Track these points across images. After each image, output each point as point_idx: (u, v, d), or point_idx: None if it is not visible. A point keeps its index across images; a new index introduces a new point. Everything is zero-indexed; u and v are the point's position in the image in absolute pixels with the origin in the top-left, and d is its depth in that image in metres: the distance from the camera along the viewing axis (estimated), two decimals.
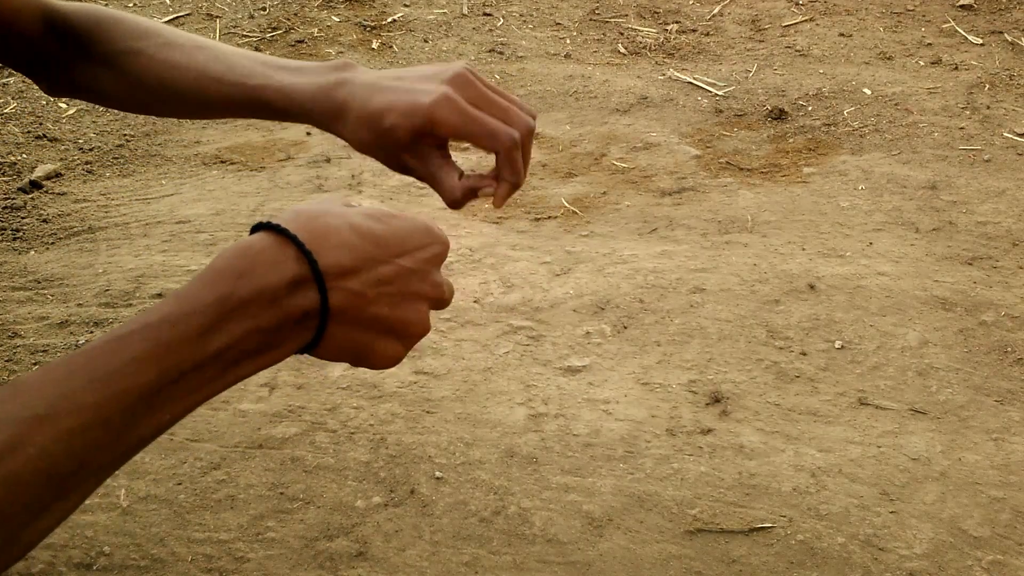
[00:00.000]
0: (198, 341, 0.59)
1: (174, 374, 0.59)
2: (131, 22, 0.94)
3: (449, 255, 2.43)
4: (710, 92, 3.39)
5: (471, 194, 0.84)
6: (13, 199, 2.71)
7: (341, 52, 3.62)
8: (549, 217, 2.67)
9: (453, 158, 0.85)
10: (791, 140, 3.09)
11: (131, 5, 3.87)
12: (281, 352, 0.64)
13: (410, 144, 0.81)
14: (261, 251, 0.63)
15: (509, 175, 0.83)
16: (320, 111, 0.84)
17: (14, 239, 2.54)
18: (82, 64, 0.94)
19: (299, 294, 0.63)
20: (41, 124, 3.13)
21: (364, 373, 2.02)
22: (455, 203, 0.83)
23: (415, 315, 0.69)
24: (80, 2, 0.96)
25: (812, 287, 2.31)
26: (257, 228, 0.65)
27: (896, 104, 3.25)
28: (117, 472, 1.78)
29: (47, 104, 3.25)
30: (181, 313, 0.59)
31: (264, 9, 3.88)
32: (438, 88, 0.80)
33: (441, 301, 0.72)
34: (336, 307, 0.64)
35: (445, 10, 3.96)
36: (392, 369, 2.03)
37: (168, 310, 0.60)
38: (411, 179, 2.84)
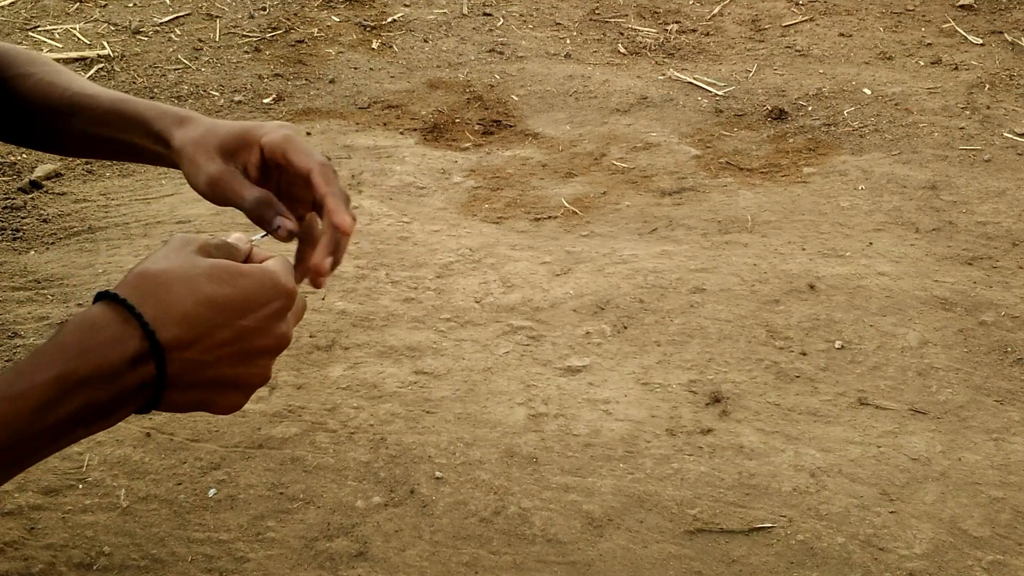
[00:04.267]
0: (33, 417, 0.61)
1: (9, 446, 0.61)
2: (23, 53, 1.01)
3: (449, 255, 2.43)
4: (710, 92, 3.39)
5: (267, 206, 0.84)
6: (13, 199, 2.71)
7: (341, 52, 3.62)
8: (549, 217, 2.67)
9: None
10: (791, 140, 3.09)
11: (130, 5, 3.87)
12: (116, 419, 0.66)
13: (227, 150, 0.85)
14: (104, 328, 0.64)
15: (327, 185, 0.82)
16: (170, 118, 0.89)
17: (14, 239, 2.54)
18: None
19: (138, 369, 0.65)
20: None
21: (365, 373, 2.02)
22: (250, 203, 0.84)
23: (255, 369, 0.71)
24: None
25: (812, 287, 2.31)
26: (101, 297, 0.67)
27: (896, 104, 3.25)
28: (117, 472, 1.78)
29: None
30: (19, 391, 0.61)
31: (264, 9, 3.88)
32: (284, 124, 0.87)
33: (281, 350, 0.74)
34: (173, 375, 0.66)
35: (445, 10, 3.96)
36: (392, 369, 2.03)
37: (6, 386, 0.61)
38: (411, 179, 2.84)
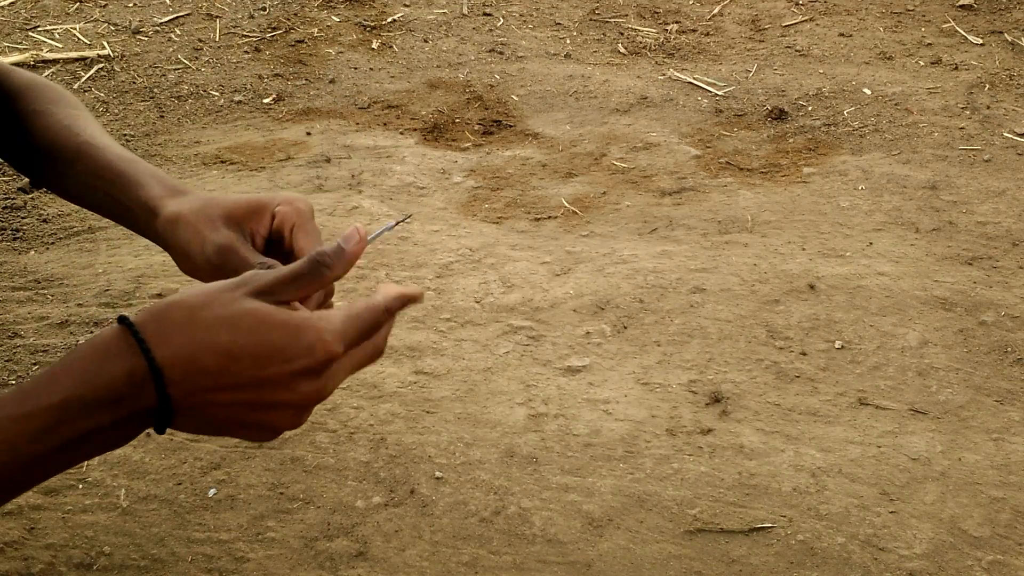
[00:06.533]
0: (39, 439, 0.62)
1: (14, 467, 0.62)
2: (50, 89, 1.01)
3: (449, 255, 2.43)
4: (710, 92, 3.39)
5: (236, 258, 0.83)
6: (13, 199, 2.71)
7: (341, 52, 3.62)
8: (549, 217, 2.67)
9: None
10: (791, 140, 3.09)
11: (131, 5, 3.87)
12: (122, 441, 0.67)
13: (235, 219, 0.85)
14: (113, 358, 0.65)
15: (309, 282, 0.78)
16: (165, 187, 0.89)
17: (14, 239, 2.54)
18: (3, 120, 1.01)
19: (142, 400, 0.65)
20: None
21: (365, 373, 2.02)
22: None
23: (278, 417, 0.69)
24: (22, 69, 1.03)
25: (812, 287, 2.31)
26: (121, 321, 0.67)
27: (896, 104, 3.25)
28: (117, 472, 1.78)
29: None
30: (24, 412, 0.62)
31: (264, 9, 3.88)
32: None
33: (311, 405, 0.71)
34: (180, 410, 0.67)
35: (445, 10, 3.96)
36: (392, 369, 2.03)
37: (12, 408, 0.63)
38: (411, 179, 2.84)
